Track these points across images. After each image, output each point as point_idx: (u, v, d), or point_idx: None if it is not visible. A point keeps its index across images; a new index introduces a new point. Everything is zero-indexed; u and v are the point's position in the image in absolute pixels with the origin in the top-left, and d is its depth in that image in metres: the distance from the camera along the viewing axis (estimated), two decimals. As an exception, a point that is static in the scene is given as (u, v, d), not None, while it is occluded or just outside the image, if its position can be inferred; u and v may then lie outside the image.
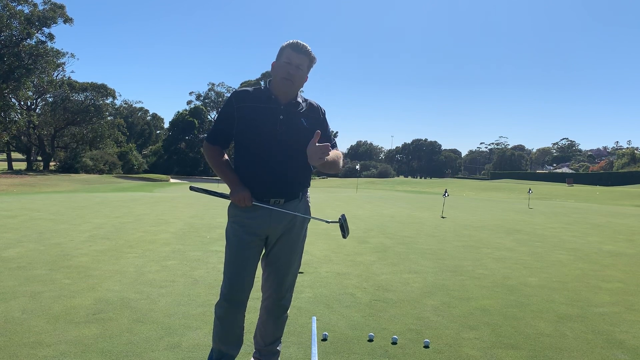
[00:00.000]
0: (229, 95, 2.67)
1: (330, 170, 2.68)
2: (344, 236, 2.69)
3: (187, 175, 61.16)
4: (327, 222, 2.80)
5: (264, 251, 2.78)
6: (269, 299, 2.81)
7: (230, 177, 2.64)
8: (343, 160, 2.81)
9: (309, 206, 2.82)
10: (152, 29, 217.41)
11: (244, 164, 2.65)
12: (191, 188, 2.95)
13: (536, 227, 10.71)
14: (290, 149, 2.60)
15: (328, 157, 2.52)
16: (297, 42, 2.61)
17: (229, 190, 2.64)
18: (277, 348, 2.88)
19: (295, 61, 2.59)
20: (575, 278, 5.53)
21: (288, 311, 2.88)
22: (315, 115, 2.71)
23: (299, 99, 2.71)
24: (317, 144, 2.44)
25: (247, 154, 2.63)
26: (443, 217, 12.19)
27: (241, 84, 67.51)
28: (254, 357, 2.90)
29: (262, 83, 2.77)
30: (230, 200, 2.67)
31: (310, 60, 2.65)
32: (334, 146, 2.77)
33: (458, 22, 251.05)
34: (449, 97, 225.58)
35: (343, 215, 2.71)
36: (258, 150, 2.60)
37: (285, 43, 2.65)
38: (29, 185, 28.86)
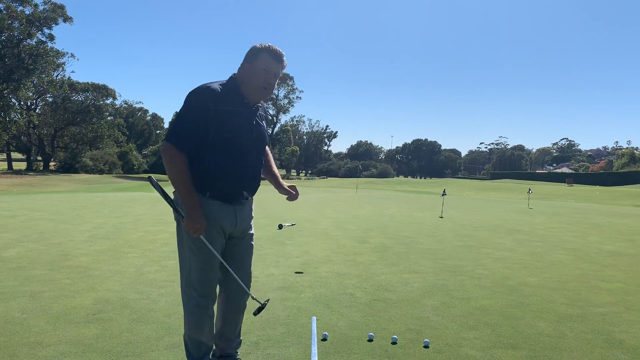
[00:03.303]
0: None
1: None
2: (255, 314, 2.77)
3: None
4: (258, 302, 2.77)
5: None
6: (237, 295, 2.81)
7: (194, 201, 2.50)
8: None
9: (252, 202, 2.91)
10: (152, 29, 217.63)
11: (219, 167, 2.57)
12: (150, 179, 2.77)
13: (536, 227, 10.71)
14: (259, 150, 2.75)
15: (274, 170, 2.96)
16: (275, 49, 2.60)
17: (186, 210, 2.51)
18: (241, 338, 2.96)
19: (274, 70, 2.61)
20: (575, 278, 5.53)
21: None
22: (267, 116, 2.88)
23: None
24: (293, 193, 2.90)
25: (226, 158, 2.57)
26: (441, 217, 12.19)
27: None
28: (214, 357, 2.88)
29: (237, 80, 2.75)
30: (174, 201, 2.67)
31: (283, 67, 2.67)
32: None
33: (458, 22, 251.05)
34: (449, 97, 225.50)
35: (268, 300, 2.92)
36: (238, 154, 2.61)
37: (260, 46, 2.59)
38: (29, 185, 28.87)
